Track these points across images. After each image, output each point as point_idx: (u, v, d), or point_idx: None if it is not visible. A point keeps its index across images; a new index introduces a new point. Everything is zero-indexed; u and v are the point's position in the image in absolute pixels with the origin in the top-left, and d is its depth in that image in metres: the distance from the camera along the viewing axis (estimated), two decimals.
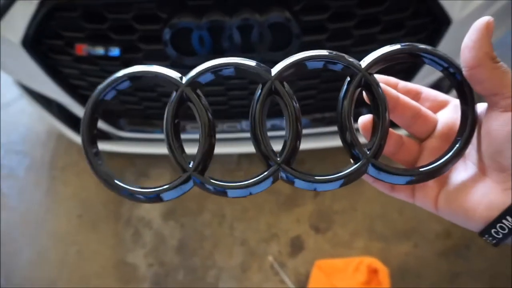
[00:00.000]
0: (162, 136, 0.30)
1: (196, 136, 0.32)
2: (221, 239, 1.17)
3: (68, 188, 1.26)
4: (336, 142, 1.05)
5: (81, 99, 0.91)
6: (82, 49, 0.76)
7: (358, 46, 0.76)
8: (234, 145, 1.05)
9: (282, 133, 0.30)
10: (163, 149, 1.08)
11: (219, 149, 1.06)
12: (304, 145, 1.07)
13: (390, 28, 0.75)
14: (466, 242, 1.16)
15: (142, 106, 0.92)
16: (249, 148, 1.05)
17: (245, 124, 1.00)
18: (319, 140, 1.07)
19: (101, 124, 0.99)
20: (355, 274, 1.07)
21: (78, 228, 1.19)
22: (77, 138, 1.10)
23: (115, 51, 0.76)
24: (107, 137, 1.04)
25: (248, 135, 0.99)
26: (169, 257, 1.14)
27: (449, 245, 1.17)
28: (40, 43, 0.77)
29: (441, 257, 1.15)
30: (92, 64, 0.79)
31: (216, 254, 1.15)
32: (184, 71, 0.31)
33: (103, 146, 1.06)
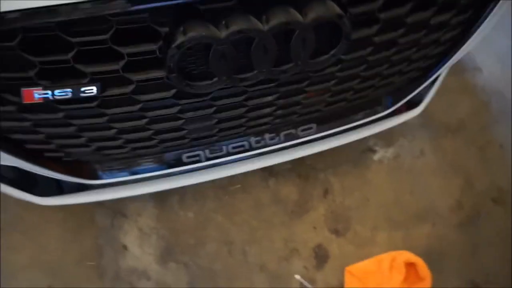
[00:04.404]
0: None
1: None
2: (235, 270, 1.00)
3: (22, 254, 0.96)
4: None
5: (30, 157, 0.63)
6: (32, 94, 0.49)
7: (408, 35, 0.61)
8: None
9: None
10: (151, 188, 0.86)
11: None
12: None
13: (442, 9, 0.60)
14: (478, 210, 1.15)
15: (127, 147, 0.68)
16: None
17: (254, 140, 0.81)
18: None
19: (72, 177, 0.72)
20: (392, 273, 0.99)
21: None
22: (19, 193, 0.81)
23: (90, 90, 0.50)
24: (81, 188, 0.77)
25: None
26: None
27: (463, 216, 1.14)
28: None
29: (459, 230, 1.13)
30: (51, 111, 0.53)
31: None
32: None
33: (79, 199, 0.80)
